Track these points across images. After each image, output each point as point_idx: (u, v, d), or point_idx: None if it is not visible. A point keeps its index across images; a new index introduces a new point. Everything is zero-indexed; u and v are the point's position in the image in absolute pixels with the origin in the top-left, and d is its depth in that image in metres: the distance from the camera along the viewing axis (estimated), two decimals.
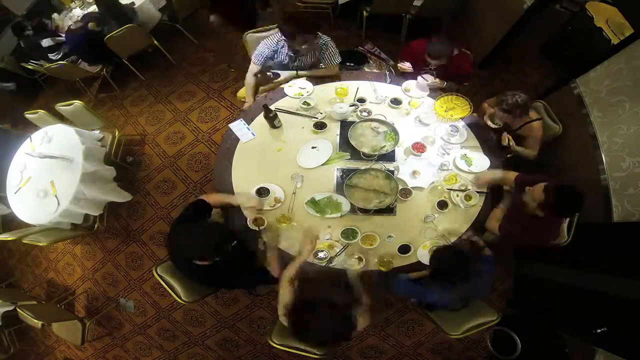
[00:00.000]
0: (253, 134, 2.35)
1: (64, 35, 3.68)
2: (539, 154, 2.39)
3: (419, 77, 2.51)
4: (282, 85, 2.55)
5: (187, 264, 1.78)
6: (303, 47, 2.36)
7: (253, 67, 2.57)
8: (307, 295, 1.59)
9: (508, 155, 2.57)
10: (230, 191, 2.20)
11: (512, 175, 2.05)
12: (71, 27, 3.51)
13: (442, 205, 2.14)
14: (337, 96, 2.50)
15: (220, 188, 2.23)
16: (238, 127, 2.36)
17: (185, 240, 1.63)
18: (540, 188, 1.77)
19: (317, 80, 2.56)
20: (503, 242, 2.13)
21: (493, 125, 2.37)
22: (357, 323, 1.64)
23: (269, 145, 2.34)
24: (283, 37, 2.38)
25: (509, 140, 2.27)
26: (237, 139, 2.36)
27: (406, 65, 2.56)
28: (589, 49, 3.09)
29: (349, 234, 2.07)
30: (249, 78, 2.61)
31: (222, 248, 1.68)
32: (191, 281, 2.11)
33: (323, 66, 2.61)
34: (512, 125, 2.35)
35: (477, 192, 2.16)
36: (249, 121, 2.41)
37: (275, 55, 2.52)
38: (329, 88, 2.55)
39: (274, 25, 2.79)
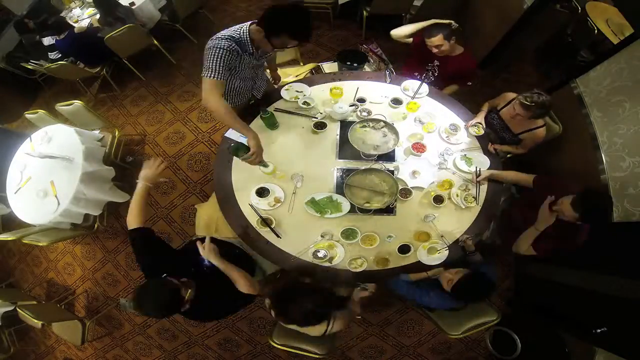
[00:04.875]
0: None
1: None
2: (533, 153, 2.40)
3: None
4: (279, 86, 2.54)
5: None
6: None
7: (216, 90, 1.82)
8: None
9: (508, 155, 2.57)
10: (230, 191, 2.20)
11: (529, 177, 2.05)
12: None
13: (438, 200, 2.15)
14: (332, 97, 2.48)
15: (220, 188, 2.23)
16: (234, 134, 2.35)
17: (142, 301, 1.55)
18: (567, 206, 1.72)
19: (313, 81, 2.56)
20: (541, 258, 2.07)
21: (474, 133, 2.31)
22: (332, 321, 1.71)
23: (269, 145, 2.33)
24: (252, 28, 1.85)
25: (495, 149, 2.30)
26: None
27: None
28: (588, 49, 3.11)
29: (349, 234, 2.07)
30: (221, 107, 1.83)
31: (172, 309, 1.60)
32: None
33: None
34: (515, 129, 2.33)
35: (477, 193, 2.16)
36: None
37: (237, 59, 1.90)
38: (326, 88, 2.54)
39: None
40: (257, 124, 2.40)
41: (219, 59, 1.77)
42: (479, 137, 2.34)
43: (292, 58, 3.21)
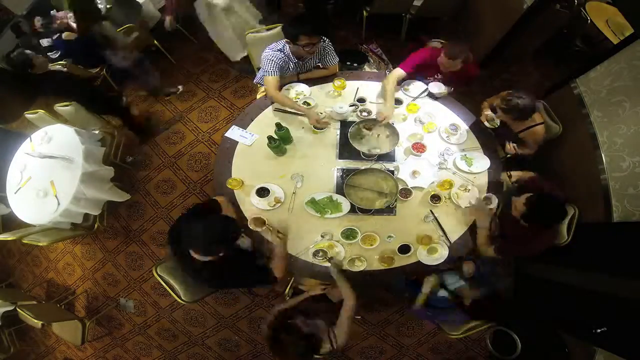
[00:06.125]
0: (252, 135, 2.36)
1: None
2: (538, 153, 2.40)
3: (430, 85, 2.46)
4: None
5: (188, 259, 1.76)
6: (306, 49, 2.17)
7: (271, 81, 2.32)
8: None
9: (508, 156, 2.57)
10: (231, 191, 2.20)
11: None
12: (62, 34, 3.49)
13: (435, 198, 2.15)
14: (335, 89, 2.47)
15: (220, 188, 2.23)
16: (234, 134, 2.36)
17: (191, 230, 1.61)
18: (521, 201, 1.79)
19: (313, 81, 2.55)
20: (502, 258, 2.16)
21: (489, 126, 2.35)
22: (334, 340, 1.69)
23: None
24: (286, 41, 2.23)
25: (514, 148, 2.30)
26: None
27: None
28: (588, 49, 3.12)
29: (348, 234, 2.08)
30: (275, 93, 2.36)
31: (226, 241, 1.65)
32: (192, 280, 2.10)
33: (321, 66, 2.54)
34: (513, 128, 2.34)
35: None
36: (246, 124, 2.41)
37: (284, 69, 2.36)
38: (327, 86, 2.54)
39: (274, 26, 2.80)
40: (257, 122, 2.40)
41: (270, 59, 2.29)
42: (479, 137, 2.34)
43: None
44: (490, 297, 1.80)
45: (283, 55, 2.29)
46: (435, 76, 2.49)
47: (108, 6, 3.64)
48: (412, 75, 2.52)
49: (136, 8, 3.55)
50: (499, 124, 2.32)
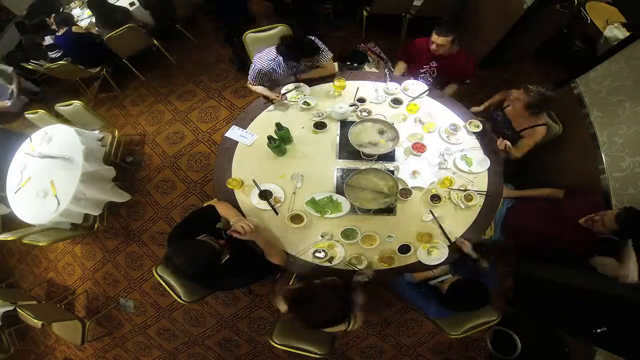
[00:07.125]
0: (252, 134, 2.36)
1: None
2: (538, 155, 2.40)
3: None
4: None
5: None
6: (308, 64, 2.38)
7: (252, 85, 2.51)
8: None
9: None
10: (230, 191, 2.21)
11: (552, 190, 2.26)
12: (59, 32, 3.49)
13: (435, 198, 2.15)
14: (335, 89, 2.47)
15: (220, 188, 2.23)
16: (234, 134, 2.36)
17: (178, 258, 1.64)
18: (611, 218, 1.83)
19: (313, 81, 2.55)
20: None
21: (472, 129, 2.34)
22: (351, 320, 1.72)
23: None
24: (280, 56, 2.34)
25: (505, 146, 2.26)
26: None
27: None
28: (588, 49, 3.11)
29: (349, 234, 2.07)
30: (254, 89, 2.52)
31: (205, 269, 1.68)
32: (197, 285, 2.13)
33: (317, 65, 2.52)
34: (516, 125, 2.34)
35: (477, 192, 2.16)
36: (246, 124, 2.41)
37: (274, 74, 2.45)
38: (327, 85, 2.54)
39: (273, 26, 2.80)
40: (257, 122, 2.40)
41: (256, 67, 2.40)
42: (479, 137, 2.34)
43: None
44: (468, 282, 1.81)
45: (272, 65, 2.38)
46: (430, 64, 2.49)
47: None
48: (407, 63, 2.70)
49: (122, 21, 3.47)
50: (482, 127, 2.33)
